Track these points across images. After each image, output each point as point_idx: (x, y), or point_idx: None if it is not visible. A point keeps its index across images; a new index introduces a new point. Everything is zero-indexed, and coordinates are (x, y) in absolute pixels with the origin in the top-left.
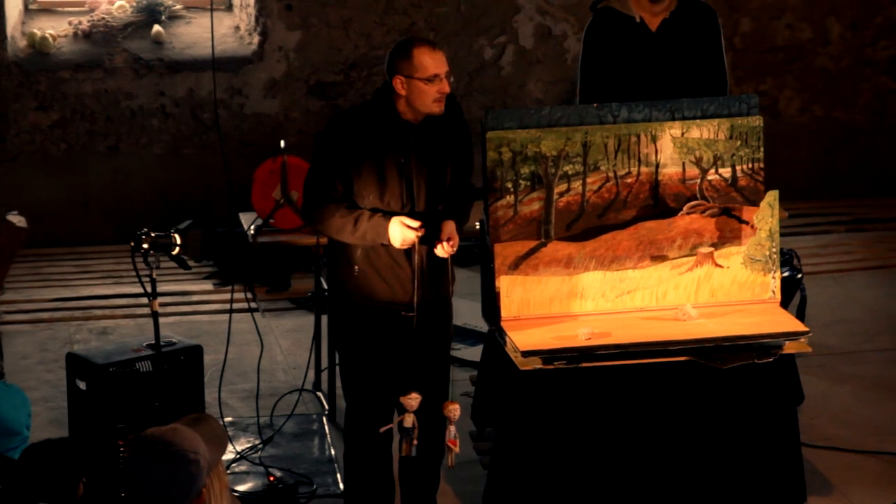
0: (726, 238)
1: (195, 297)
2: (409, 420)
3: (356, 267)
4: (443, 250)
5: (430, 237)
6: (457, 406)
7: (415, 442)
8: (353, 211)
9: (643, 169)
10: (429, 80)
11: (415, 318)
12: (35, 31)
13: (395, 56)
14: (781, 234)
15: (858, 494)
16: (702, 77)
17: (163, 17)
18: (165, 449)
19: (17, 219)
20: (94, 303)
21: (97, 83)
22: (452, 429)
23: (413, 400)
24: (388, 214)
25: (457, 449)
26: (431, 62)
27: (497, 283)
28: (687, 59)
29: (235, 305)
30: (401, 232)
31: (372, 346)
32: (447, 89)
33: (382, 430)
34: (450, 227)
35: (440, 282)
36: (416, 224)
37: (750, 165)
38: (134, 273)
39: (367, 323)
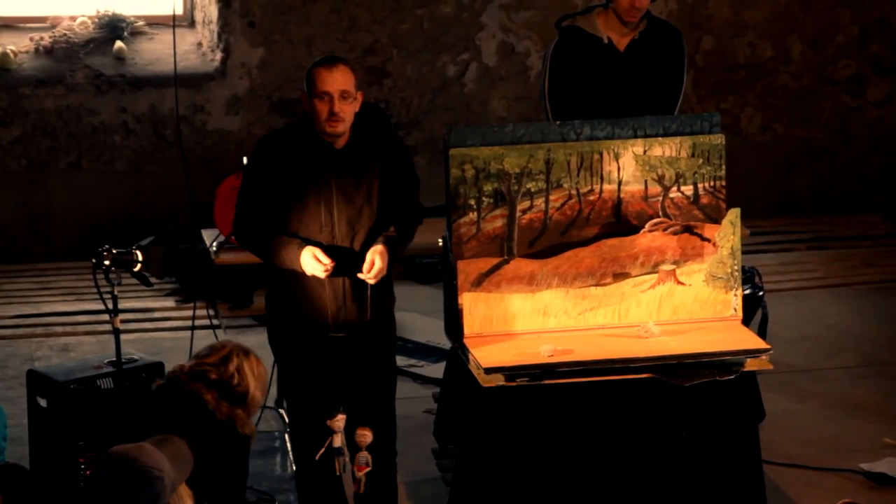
0: (688, 256)
1: (157, 314)
2: (337, 440)
3: (284, 284)
4: (364, 277)
5: (355, 261)
6: (367, 432)
7: (346, 460)
8: (273, 236)
9: (606, 186)
10: (318, 97)
11: (338, 338)
12: None
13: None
14: (743, 252)
15: None
16: (663, 97)
17: (125, 34)
18: (130, 465)
19: None
20: (55, 319)
21: (59, 99)
22: (363, 455)
23: (339, 421)
24: (305, 242)
25: (360, 473)
26: (322, 80)
27: (460, 300)
28: (654, 79)
29: (197, 322)
30: (310, 264)
31: (300, 362)
32: (337, 109)
33: (318, 456)
34: (375, 254)
35: (370, 305)
36: (326, 260)
37: (712, 183)
38: (95, 290)
39: (295, 339)
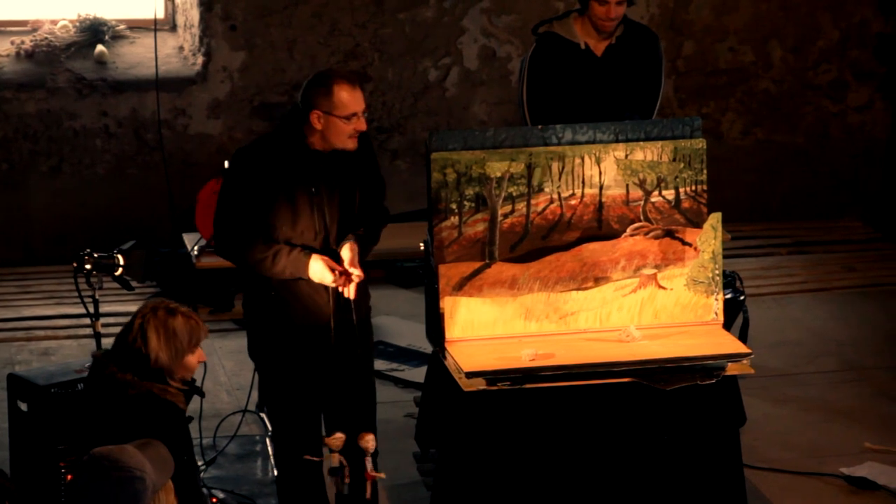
0: (669, 260)
1: None
2: (335, 460)
3: (272, 292)
4: (344, 291)
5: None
6: (371, 437)
7: (346, 480)
8: (270, 246)
9: (587, 191)
10: (347, 118)
11: (332, 339)
12: None
13: (313, 89)
14: (724, 257)
15: None
16: (640, 100)
17: (106, 37)
18: (112, 466)
19: None
20: (36, 323)
21: (40, 103)
22: (370, 460)
23: (338, 440)
24: (308, 249)
25: (372, 478)
26: (350, 100)
27: (441, 304)
28: (631, 82)
29: None
30: (321, 272)
31: (292, 368)
32: (363, 127)
33: (307, 457)
34: (348, 253)
35: (358, 305)
36: (339, 270)
37: (693, 187)
38: (76, 293)
39: (286, 346)
